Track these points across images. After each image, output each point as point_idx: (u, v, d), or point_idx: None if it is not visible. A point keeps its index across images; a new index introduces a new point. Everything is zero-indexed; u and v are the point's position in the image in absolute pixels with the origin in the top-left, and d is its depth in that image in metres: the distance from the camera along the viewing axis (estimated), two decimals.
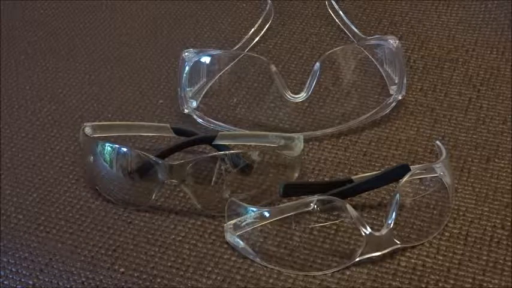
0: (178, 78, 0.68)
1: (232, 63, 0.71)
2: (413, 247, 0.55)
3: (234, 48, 0.76)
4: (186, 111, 0.68)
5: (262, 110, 0.69)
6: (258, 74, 0.73)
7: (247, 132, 0.66)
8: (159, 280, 0.54)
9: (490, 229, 0.56)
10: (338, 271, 0.54)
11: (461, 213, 0.57)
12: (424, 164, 0.62)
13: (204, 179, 0.58)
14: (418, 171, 0.56)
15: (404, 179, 0.54)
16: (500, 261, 0.54)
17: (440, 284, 0.52)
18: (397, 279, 0.53)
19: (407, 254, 0.54)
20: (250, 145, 0.64)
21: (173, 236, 0.57)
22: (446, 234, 0.56)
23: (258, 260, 0.55)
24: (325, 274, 0.54)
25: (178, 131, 0.65)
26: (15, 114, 0.72)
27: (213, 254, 0.56)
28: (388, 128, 0.66)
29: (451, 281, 0.52)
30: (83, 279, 0.55)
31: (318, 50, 0.77)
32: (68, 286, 0.54)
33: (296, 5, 0.85)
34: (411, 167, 0.57)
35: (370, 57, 0.71)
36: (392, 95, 0.68)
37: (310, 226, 0.57)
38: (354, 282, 0.53)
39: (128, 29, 0.84)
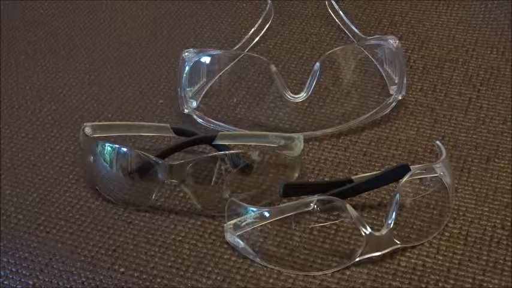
0: (178, 78, 0.68)
1: (232, 63, 0.71)
2: (413, 247, 0.55)
3: (234, 48, 0.76)
4: (186, 111, 0.68)
5: (262, 110, 0.69)
6: (258, 74, 0.73)
7: (247, 132, 0.66)
8: (159, 280, 0.54)
9: (490, 229, 0.56)
10: (338, 271, 0.54)
11: (461, 213, 0.57)
12: (424, 164, 0.62)
13: (204, 179, 0.58)
14: (418, 171, 0.56)
15: (404, 179, 0.54)
16: (500, 261, 0.54)
17: (440, 284, 0.52)
18: (397, 279, 0.53)
19: (407, 254, 0.54)
20: (250, 145, 0.64)
21: (173, 236, 0.57)
22: (446, 234, 0.56)
23: (258, 260, 0.55)
24: (325, 274, 0.54)
25: (178, 131, 0.65)
26: (15, 114, 0.72)
27: (213, 254, 0.56)
28: (388, 128, 0.66)
29: (451, 281, 0.52)
30: (83, 279, 0.55)
31: (318, 50, 0.77)
32: (68, 286, 0.54)
33: (296, 5, 0.85)
34: (411, 167, 0.57)
35: (370, 57, 0.71)
36: (392, 95, 0.68)
37: (310, 226, 0.57)
38: (354, 282, 0.53)
39: (128, 29, 0.84)
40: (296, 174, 0.61)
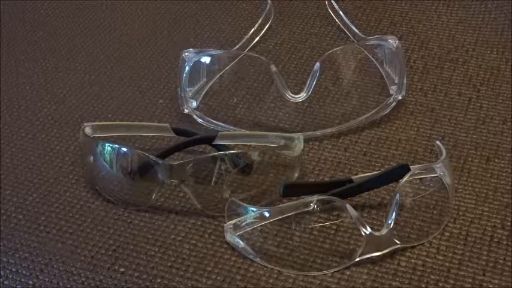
0: (178, 78, 0.68)
1: (232, 63, 0.71)
2: (413, 247, 0.55)
3: (234, 48, 0.76)
4: (186, 111, 0.68)
5: (262, 110, 0.69)
6: (258, 74, 0.73)
7: (247, 132, 0.66)
8: (159, 280, 0.54)
9: (490, 229, 0.56)
10: (338, 271, 0.54)
11: (461, 213, 0.57)
12: (424, 164, 0.62)
13: (204, 179, 0.58)
14: (418, 171, 0.56)
15: (404, 179, 0.54)
16: (500, 261, 0.54)
17: (440, 284, 0.52)
18: (397, 279, 0.53)
19: (407, 254, 0.54)
20: (250, 145, 0.64)
21: (173, 236, 0.57)
22: (446, 234, 0.56)
23: (258, 260, 0.55)
24: (325, 274, 0.54)
25: (178, 131, 0.65)
26: (15, 114, 0.72)
27: (213, 254, 0.56)
28: (388, 128, 0.66)
29: (451, 281, 0.52)
30: (83, 279, 0.55)
31: (318, 50, 0.77)
32: (68, 286, 0.54)
33: (296, 5, 0.85)
34: (411, 167, 0.57)
35: (370, 57, 0.71)
36: (392, 95, 0.68)
37: (310, 226, 0.57)
38: (354, 282, 0.53)
39: (128, 29, 0.84)
40: (296, 174, 0.61)
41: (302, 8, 0.84)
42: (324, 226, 0.57)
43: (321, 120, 0.68)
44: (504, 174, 0.60)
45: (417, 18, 0.80)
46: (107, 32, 0.84)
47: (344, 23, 0.79)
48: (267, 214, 0.55)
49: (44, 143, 0.68)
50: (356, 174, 0.62)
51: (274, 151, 0.61)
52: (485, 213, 0.57)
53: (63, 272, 0.55)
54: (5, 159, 0.66)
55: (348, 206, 0.53)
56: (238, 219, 0.56)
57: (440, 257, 0.54)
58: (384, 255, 0.54)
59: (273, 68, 0.66)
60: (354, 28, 0.77)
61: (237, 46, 0.77)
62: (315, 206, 0.57)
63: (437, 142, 0.59)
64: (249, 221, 0.55)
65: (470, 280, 0.52)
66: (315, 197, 0.57)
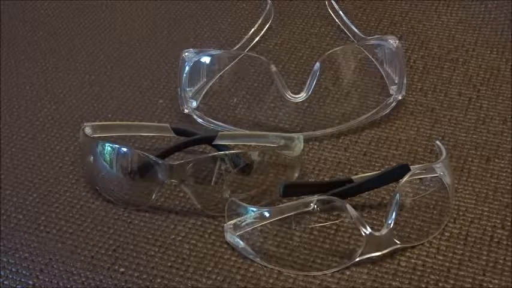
0: (178, 78, 0.68)
1: (232, 63, 0.71)
2: (413, 247, 0.55)
3: (234, 48, 0.76)
4: (186, 111, 0.68)
5: (262, 110, 0.69)
6: (258, 74, 0.73)
7: (247, 132, 0.66)
8: (159, 280, 0.54)
9: (490, 229, 0.56)
10: (338, 271, 0.54)
11: (461, 213, 0.57)
12: (424, 164, 0.62)
13: (204, 179, 0.58)
14: (418, 171, 0.56)
15: (404, 179, 0.54)
16: (500, 261, 0.54)
17: (440, 284, 0.52)
18: (397, 279, 0.53)
19: (407, 254, 0.54)
20: (250, 145, 0.64)
21: (173, 236, 0.57)
22: (446, 234, 0.56)
23: (258, 260, 0.55)
24: (325, 274, 0.54)
25: (178, 131, 0.65)
26: (15, 114, 0.72)
27: (213, 254, 0.56)
28: (388, 128, 0.66)
29: (451, 281, 0.52)
30: (83, 279, 0.55)
31: (318, 50, 0.77)
32: (68, 286, 0.54)
33: (296, 5, 0.85)
34: (411, 167, 0.57)
35: (370, 57, 0.71)
36: (392, 95, 0.68)
37: (310, 226, 0.57)
38: (354, 282, 0.53)
39: (128, 29, 0.84)
40: (296, 174, 0.61)
41: (302, 8, 0.84)
42: (324, 226, 0.57)
43: (321, 120, 0.68)
44: (504, 174, 0.60)
45: (417, 18, 0.80)
46: (107, 32, 0.84)
47: (344, 23, 0.79)
48: (267, 214, 0.55)
49: (44, 143, 0.68)
50: (356, 174, 0.62)
51: (274, 151, 0.61)
52: (485, 213, 0.57)
53: (63, 272, 0.55)
54: (5, 159, 0.66)
55: (348, 206, 0.53)
56: (238, 219, 0.56)
57: (440, 257, 0.54)
58: (384, 255, 0.54)
59: (273, 68, 0.66)
60: (354, 28, 0.77)
61: (237, 46, 0.77)
62: (315, 206, 0.57)
63: (437, 142, 0.59)
64: (249, 221, 0.55)
65: (470, 280, 0.52)
66: (315, 197, 0.57)
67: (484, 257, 0.54)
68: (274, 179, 0.61)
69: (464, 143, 0.64)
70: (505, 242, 0.55)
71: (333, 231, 0.56)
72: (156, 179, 0.58)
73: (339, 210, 0.57)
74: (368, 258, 0.54)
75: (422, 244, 0.55)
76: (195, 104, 0.69)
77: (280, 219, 0.56)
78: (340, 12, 0.79)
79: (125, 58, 0.79)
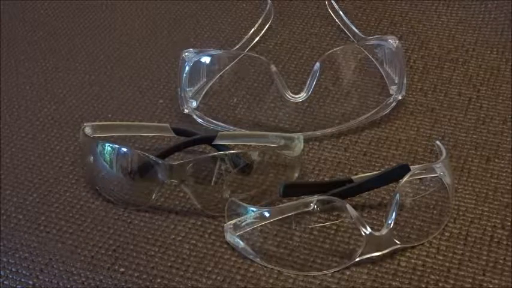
0: (178, 78, 0.68)
1: (232, 63, 0.71)
2: (413, 247, 0.55)
3: (234, 48, 0.76)
4: (186, 111, 0.68)
5: (262, 110, 0.69)
6: (258, 74, 0.73)
7: (247, 132, 0.66)
8: (159, 280, 0.54)
9: (490, 229, 0.56)
10: (338, 271, 0.54)
11: (461, 213, 0.57)
12: (424, 164, 0.62)
13: (204, 179, 0.58)
14: (418, 171, 0.56)
15: (405, 179, 0.54)
16: (500, 261, 0.54)
17: (440, 284, 0.52)
18: (397, 279, 0.53)
19: (407, 254, 0.54)
20: (250, 145, 0.64)
21: (173, 236, 0.57)
22: (446, 234, 0.56)
23: (258, 260, 0.55)
24: (325, 274, 0.54)
25: (178, 131, 0.65)
26: (15, 114, 0.72)
27: (213, 254, 0.56)
28: (388, 128, 0.66)
29: (451, 281, 0.52)
30: (83, 279, 0.55)
31: (318, 50, 0.77)
32: (68, 286, 0.54)
33: (296, 5, 0.85)
34: (411, 167, 0.57)
35: (370, 57, 0.71)
36: (392, 95, 0.68)
37: (310, 226, 0.57)
38: (354, 282, 0.53)
39: (128, 29, 0.84)
40: (296, 174, 0.61)
41: (302, 8, 0.84)
42: (324, 226, 0.57)
43: (321, 120, 0.68)
44: (504, 174, 0.60)
45: (417, 18, 0.80)
46: (107, 32, 0.84)
47: (344, 23, 0.79)
48: (267, 214, 0.55)
49: (44, 143, 0.68)
50: (356, 174, 0.62)
51: (274, 151, 0.61)
52: (485, 213, 0.57)
53: (63, 272, 0.55)
54: (5, 159, 0.66)
55: (348, 206, 0.53)
56: (238, 219, 0.56)
57: (440, 257, 0.54)
58: (384, 255, 0.54)
59: (273, 68, 0.66)
60: (354, 28, 0.77)
61: (237, 46, 0.77)
62: (315, 206, 0.57)
63: (437, 142, 0.59)
64: (249, 221, 0.55)
65: (470, 280, 0.52)
66: (315, 197, 0.57)
67: (484, 257, 0.54)
68: (274, 179, 0.61)
69: (464, 143, 0.64)
70: (505, 242, 0.55)
71: (333, 231, 0.56)
72: (156, 179, 0.58)
73: (339, 210, 0.57)
74: (368, 258, 0.54)
75: (422, 244, 0.55)
76: (195, 104, 0.69)
77: (280, 219, 0.56)
78: (340, 12, 0.79)
79: (125, 58, 0.79)
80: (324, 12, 0.82)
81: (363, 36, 0.76)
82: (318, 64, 0.65)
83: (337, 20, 0.80)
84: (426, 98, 0.69)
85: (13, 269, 0.56)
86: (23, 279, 0.55)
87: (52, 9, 0.89)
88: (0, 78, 0.77)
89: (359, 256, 0.53)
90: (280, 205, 0.57)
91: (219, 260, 0.55)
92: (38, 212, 0.61)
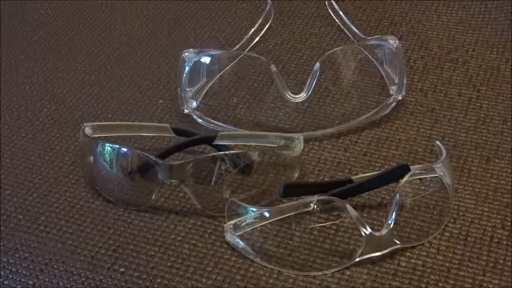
0: (178, 78, 0.68)
1: (232, 63, 0.71)
2: (413, 247, 0.55)
3: (234, 48, 0.76)
4: (186, 111, 0.68)
5: (262, 110, 0.69)
6: (258, 74, 0.73)
7: (247, 132, 0.66)
8: (159, 280, 0.54)
9: (490, 229, 0.56)
10: (338, 271, 0.54)
11: (461, 213, 0.57)
12: (424, 164, 0.62)
13: (204, 179, 0.58)
14: (418, 172, 0.56)
15: (405, 179, 0.54)
16: (500, 261, 0.54)
17: (440, 284, 0.52)
18: (397, 279, 0.53)
19: (407, 254, 0.54)
20: (250, 145, 0.64)
21: (173, 236, 0.58)
22: (446, 234, 0.56)
23: (258, 260, 0.55)
24: (325, 274, 0.54)
25: (178, 131, 0.65)
26: (15, 114, 0.72)
27: (213, 254, 0.56)
28: (388, 128, 0.66)
29: (451, 281, 0.52)
30: (83, 279, 0.55)
31: (318, 50, 0.77)
32: (68, 286, 0.54)
33: (296, 5, 0.85)
34: (411, 167, 0.57)
35: (370, 57, 0.71)
36: (392, 95, 0.68)
37: (310, 226, 0.57)
38: (354, 282, 0.53)
39: (128, 29, 0.84)
40: (296, 174, 0.61)
41: (302, 8, 0.84)
42: (324, 226, 0.57)
43: (321, 120, 0.68)
44: (504, 174, 0.60)
45: (417, 18, 0.80)
46: (107, 32, 0.84)
47: (344, 23, 0.79)
48: (267, 214, 0.55)
49: (44, 143, 0.68)
50: (356, 174, 0.62)
51: (274, 151, 0.61)
52: (485, 213, 0.57)
53: (63, 272, 0.55)
54: (5, 159, 0.66)
55: (348, 206, 0.53)
56: (238, 219, 0.56)
57: (440, 257, 0.54)
58: (384, 255, 0.54)
59: (273, 68, 0.66)
60: (354, 28, 0.77)
61: (237, 46, 0.77)
62: (315, 206, 0.57)
63: (437, 142, 0.59)
64: (249, 221, 0.55)
65: (470, 280, 0.52)
66: (315, 197, 0.57)
67: (484, 257, 0.54)
68: (274, 179, 0.61)
69: (464, 143, 0.64)
70: (505, 242, 0.55)
71: (333, 231, 0.56)
72: (156, 179, 0.58)
73: (339, 210, 0.57)
74: (368, 258, 0.54)
75: (422, 244, 0.55)
76: (195, 104, 0.69)
77: (280, 219, 0.56)
78: (340, 12, 0.79)
79: (125, 58, 0.79)
80: (324, 12, 0.82)
81: (363, 36, 0.76)
82: (318, 64, 0.65)
83: (337, 20, 0.80)
84: (426, 98, 0.69)
85: (13, 269, 0.56)
86: (23, 279, 0.55)
87: (52, 9, 0.89)
88: (0, 78, 0.77)
89: (359, 256, 0.53)
90: (280, 205, 0.57)
91: (219, 260, 0.55)
92: (38, 212, 0.61)
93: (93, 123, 0.64)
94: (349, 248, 0.55)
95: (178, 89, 0.68)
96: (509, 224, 0.56)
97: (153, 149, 0.66)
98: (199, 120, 0.68)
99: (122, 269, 0.55)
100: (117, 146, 0.59)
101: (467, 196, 0.59)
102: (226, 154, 0.58)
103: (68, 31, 0.84)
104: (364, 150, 0.64)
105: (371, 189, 0.59)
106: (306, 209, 0.57)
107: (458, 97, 0.69)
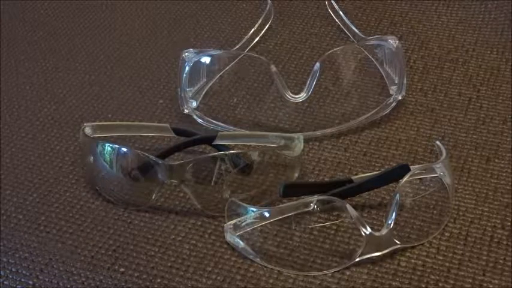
0: (178, 78, 0.68)
1: (232, 63, 0.71)
2: (413, 247, 0.55)
3: (234, 48, 0.76)
4: (186, 111, 0.68)
5: (262, 110, 0.69)
6: (258, 74, 0.73)
7: (247, 132, 0.66)
8: (159, 280, 0.54)
9: (490, 229, 0.56)
10: (338, 271, 0.54)
11: (461, 213, 0.57)
12: (424, 164, 0.62)
13: (204, 179, 0.58)
14: (418, 171, 0.56)
15: (405, 179, 0.54)
16: (500, 261, 0.54)
17: (440, 284, 0.52)
18: (397, 279, 0.53)
19: (407, 254, 0.54)
20: (250, 145, 0.64)
21: (173, 236, 0.58)
22: (446, 234, 0.56)
23: (258, 260, 0.55)
24: (325, 274, 0.54)
25: (178, 131, 0.65)
26: (15, 114, 0.72)
27: (213, 254, 0.56)
28: (388, 128, 0.66)
29: (451, 281, 0.52)
30: (83, 279, 0.55)
31: (318, 50, 0.77)
32: (68, 286, 0.54)
33: (296, 5, 0.85)
34: (411, 167, 0.57)
35: (370, 57, 0.71)
36: (392, 95, 0.68)
37: (310, 226, 0.57)
38: (354, 282, 0.53)
39: (128, 29, 0.84)
40: (296, 174, 0.61)
41: (302, 8, 0.84)
42: (324, 226, 0.57)
43: (321, 120, 0.68)
44: (504, 174, 0.60)
45: (417, 18, 0.80)
46: (107, 32, 0.84)
47: (344, 23, 0.79)
48: (267, 214, 0.55)
49: (44, 143, 0.68)
50: (356, 174, 0.62)
51: (274, 151, 0.61)
52: (485, 213, 0.57)
53: (63, 272, 0.55)
54: (5, 159, 0.66)
55: (348, 206, 0.53)
56: (238, 219, 0.56)
57: (440, 257, 0.54)
58: (384, 255, 0.54)
59: (273, 68, 0.66)
60: (354, 28, 0.77)
61: (237, 46, 0.77)
62: (315, 206, 0.57)
63: (437, 142, 0.59)
64: (249, 221, 0.55)
65: (470, 280, 0.52)
66: (315, 197, 0.57)
67: (484, 257, 0.54)
68: (274, 179, 0.61)
69: (464, 143, 0.64)
70: (505, 242, 0.55)
71: (333, 231, 0.56)
72: (156, 179, 0.58)
73: (339, 210, 0.57)
74: (368, 258, 0.54)
75: (422, 244, 0.55)
76: (195, 104, 0.69)
77: (280, 219, 0.56)
78: (340, 12, 0.79)
79: (125, 58, 0.79)
80: (324, 12, 0.82)
81: (363, 36, 0.76)
82: (318, 64, 0.65)
83: (337, 20, 0.80)
84: (426, 98, 0.69)
85: (13, 269, 0.56)
86: (23, 279, 0.55)
87: (52, 9, 0.89)
88: (0, 78, 0.77)
89: (359, 256, 0.53)
90: (280, 205, 0.57)
91: (219, 260, 0.55)
92: (38, 212, 0.61)
93: (93, 123, 0.64)
94: (349, 248, 0.55)
95: (178, 89, 0.68)
96: (509, 224, 0.56)
97: (153, 149, 0.66)
98: (199, 120, 0.68)
99: (122, 269, 0.55)
100: (117, 146, 0.59)
101: (467, 196, 0.59)
102: (226, 154, 0.58)
103: (68, 31, 0.84)
104: (364, 150, 0.64)
105: (371, 189, 0.59)
106: (306, 209, 0.57)
107: (458, 97, 0.69)
